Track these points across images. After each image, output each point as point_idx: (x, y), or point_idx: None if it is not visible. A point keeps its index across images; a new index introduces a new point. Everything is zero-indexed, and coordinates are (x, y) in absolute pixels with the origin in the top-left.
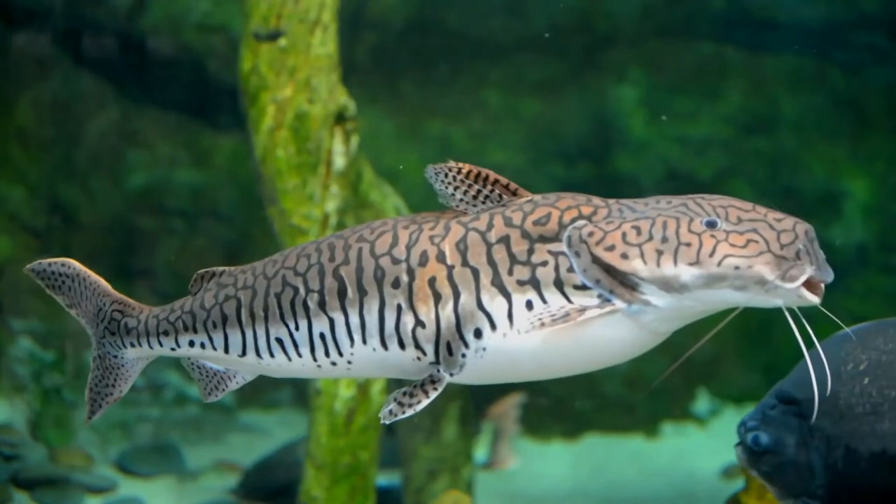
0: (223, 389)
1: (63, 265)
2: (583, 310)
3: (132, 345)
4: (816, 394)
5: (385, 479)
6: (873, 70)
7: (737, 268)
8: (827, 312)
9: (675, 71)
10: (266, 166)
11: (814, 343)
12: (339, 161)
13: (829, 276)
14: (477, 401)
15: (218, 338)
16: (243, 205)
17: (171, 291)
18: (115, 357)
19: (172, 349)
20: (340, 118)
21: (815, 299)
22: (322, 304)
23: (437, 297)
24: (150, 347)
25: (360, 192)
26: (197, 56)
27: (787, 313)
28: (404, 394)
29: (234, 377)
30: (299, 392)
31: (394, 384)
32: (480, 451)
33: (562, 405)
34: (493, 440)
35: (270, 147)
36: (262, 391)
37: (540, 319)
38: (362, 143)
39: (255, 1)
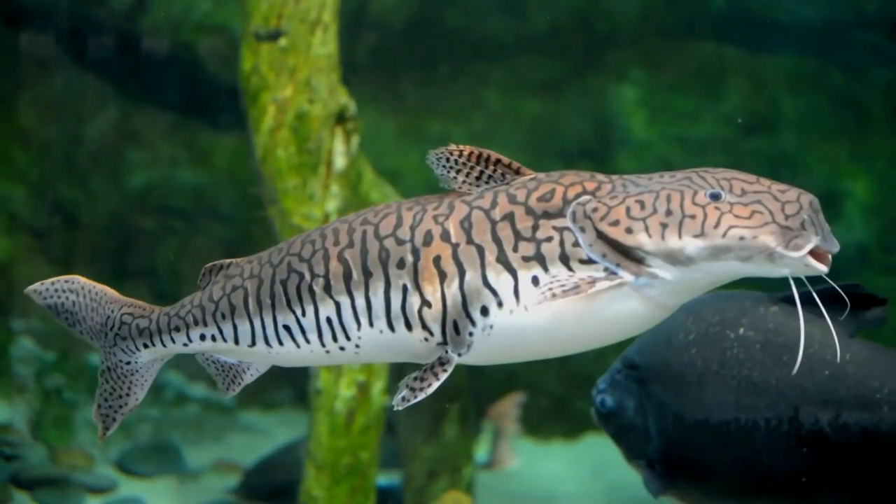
0: (239, 383)
1: (67, 282)
2: (592, 281)
3: (146, 345)
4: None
5: (385, 479)
6: (874, 70)
7: (742, 238)
8: (833, 284)
9: (675, 71)
10: (266, 166)
11: (822, 313)
12: (340, 161)
13: (835, 246)
14: (477, 401)
15: (227, 329)
16: (243, 205)
17: (171, 291)
18: (128, 364)
19: (185, 344)
20: (341, 118)
21: (822, 268)
22: (328, 289)
23: (443, 276)
24: (164, 345)
25: (361, 192)
26: (197, 56)
27: (793, 283)
28: (415, 378)
29: (248, 369)
30: (299, 392)
31: (396, 382)
32: (480, 451)
33: (562, 405)
34: (493, 440)
35: (271, 147)
36: (262, 391)
37: (551, 290)
38: (363, 143)
39: (256, 1)
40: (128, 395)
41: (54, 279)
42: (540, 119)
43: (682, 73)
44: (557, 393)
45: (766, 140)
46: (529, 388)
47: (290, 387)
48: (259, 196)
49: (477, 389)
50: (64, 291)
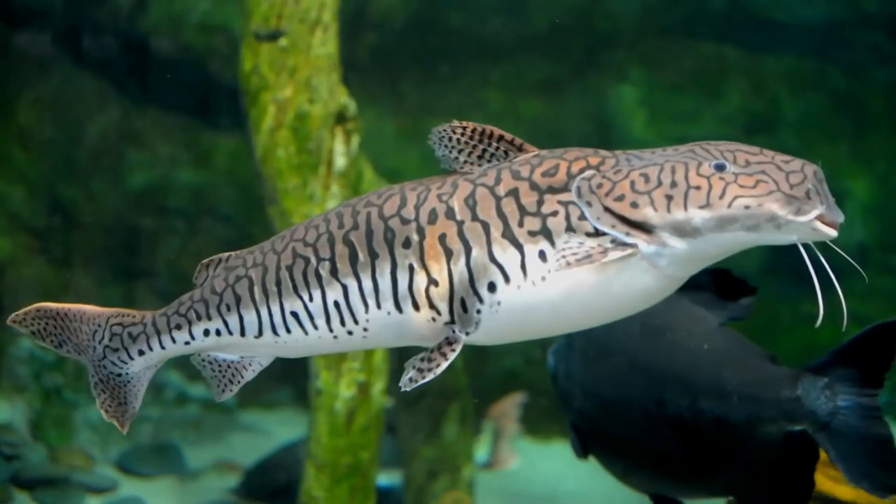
0: (238, 382)
1: (38, 311)
2: (604, 250)
3: (140, 352)
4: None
5: (385, 479)
6: (874, 70)
7: (747, 207)
8: (838, 250)
9: (675, 71)
10: (267, 166)
11: (831, 278)
12: (340, 161)
13: (840, 216)
14: (477, 401)
15: (233, 321)
16: (243, 205)
17: (171, 291)
18: (119, 375)
19: (187, 343)
20: (341, 118)
21: (830, 232)
22: (334, 272)
23: (449, 254)
24: (163, 347)
25: (361, 191)
26: (197, 56)
27: (802, 250)
28: (422, 359)
29: (250, 366)
30: (300, 392)
31: (396, 383)
32: (481, 451)
33: None
34: (493, 440)
35: (271, 147)
36: (262, 391)
37: (564, 258)
38: (363, 142)
39: (256, 1)
40: (126, 403)
41: (26, 309)
42: (540, 119)
43: (682, 73)
44: None
45: (766, 140)
46: (529, 388)
47: (290, 387)
48: (260, 196)
49: (477, 389)
50: (41, 318)
